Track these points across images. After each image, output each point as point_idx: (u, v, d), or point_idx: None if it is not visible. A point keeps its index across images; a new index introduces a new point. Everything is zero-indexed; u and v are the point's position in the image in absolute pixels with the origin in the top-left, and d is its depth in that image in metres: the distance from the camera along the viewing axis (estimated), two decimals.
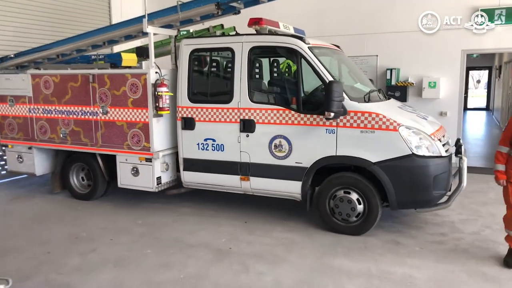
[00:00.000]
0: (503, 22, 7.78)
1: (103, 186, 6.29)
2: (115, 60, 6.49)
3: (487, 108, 22.27)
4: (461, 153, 4.88)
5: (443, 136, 4.97)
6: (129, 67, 6.09)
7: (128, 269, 4.06)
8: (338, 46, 6.10)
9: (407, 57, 8.52)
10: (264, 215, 5.53)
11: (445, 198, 4.76)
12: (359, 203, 4.71)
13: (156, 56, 5.97)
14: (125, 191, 6.10)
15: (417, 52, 8.42)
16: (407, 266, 4.03)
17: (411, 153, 4.42)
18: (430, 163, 4.46)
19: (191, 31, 6.78)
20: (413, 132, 4.50)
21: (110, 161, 5.97)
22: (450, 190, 4.85)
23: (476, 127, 15.35)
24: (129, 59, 6.47)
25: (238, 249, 4.48)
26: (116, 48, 8.34)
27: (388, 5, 8.53)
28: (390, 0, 8.53)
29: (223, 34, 6.51)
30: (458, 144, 5.08)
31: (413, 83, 8.49)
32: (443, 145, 4.75)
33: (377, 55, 8.82)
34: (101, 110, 5.79)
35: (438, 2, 8.16)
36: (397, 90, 8.37)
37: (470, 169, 5.27)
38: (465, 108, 20.33)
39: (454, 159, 4.97)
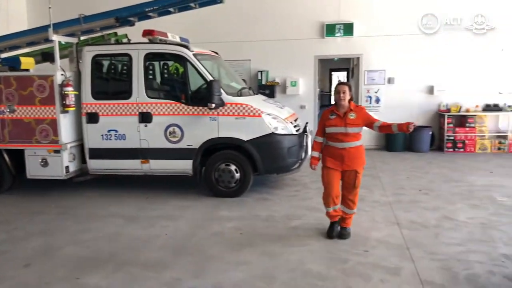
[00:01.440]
0: (342, 34, 10.09)
1: (10, 180, 6.84)
2: (13, 64, 7.05)
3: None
4: (306, 132, 6.72)
5: (295, 120, 6.75)
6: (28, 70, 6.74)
7: (54, 236, 4.97)
8: (216, 52, 7.57)
9: (273, 61, 10.41)
10: (163, 191, 6.74)
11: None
12: (237, 172, 6.23)
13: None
14: (33, 183, 6.76)
15: (281, 58, 10.36)
16: (270, 210, 5.66)
17: (271, 132, 6.07)
18: (284, 139, 6.17)
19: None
20: (272, 117, 6.17)
21: (17, 155, 6.58)
22: (302, 159, 6.64)
23: None
24: (28, 62, 7.07)
25: (144, 214, 5.66)
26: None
27: (259, 17, 10.30)
28: (260, 13, 10.31)
29: (117, 41, 7.51)
30: (305, 126, 6.91)
31: (278, 83, 10.42)
32: (294, 126, 6.51)
33: (250, 60, 10.57)
34: (7, 109, 6.41)
35: (298, 18, 10.19)
36: (267, 89, 10.20)
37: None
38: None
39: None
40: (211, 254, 4.30)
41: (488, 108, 9.80)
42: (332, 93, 3.82)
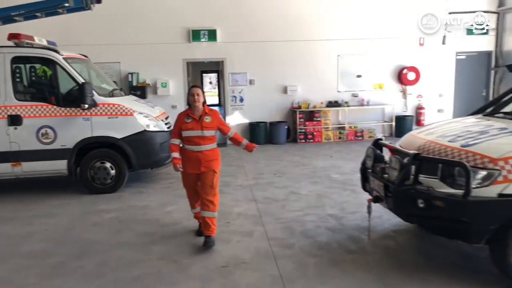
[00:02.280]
0: (207, 40, 11.06)
1: None
2: None
3: (219, 104, 27.38)
4: None
5: (166, 118, 7.45)
6: None
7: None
8: (86, 56, 7.84)
9: (143, 64, 10.90)
10: (38, 192, 6.85)
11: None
12: (112, 169, 6.69)
13: None
14: None
15: (151, 60, 10.90)
16: (146, 201, 6.30)
17: (143, 129, 6.69)
18: (156, 135, 6.84)
19: None
20: (143, 116, 6.79)
21: None
22: None
23: None
24: None
25: (21, 214, 5.80)
26: None
27: (127, 21, 10.65)
28: (128, 17, 10.67)
29: None
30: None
31: (149, 84, 10.97)
32: (166, 124, 7.22)
33: (120, 62, 10.88)
34: None
35: (165, 23, 10.82)
36: (138, 90, 10.64)
37: None
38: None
39: None
40: (92, 239, 4.82)
41: (330, 104, 11.72)
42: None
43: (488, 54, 12.01)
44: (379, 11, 11.46)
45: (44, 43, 7.20)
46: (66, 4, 6.47)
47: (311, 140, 11.57)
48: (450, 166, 3.46)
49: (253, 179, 7.53)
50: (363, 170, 4.53)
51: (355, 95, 11.84)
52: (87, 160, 6.63)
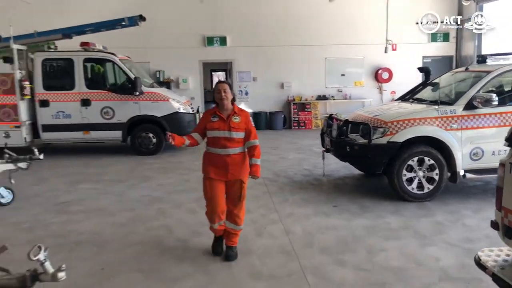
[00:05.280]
0: (219, 45, 13.73)
1: None
2: None
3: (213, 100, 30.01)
4: (198, 112, 10.17)
5: (190, 104, 10.13)
6: None
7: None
8: (128, 57, 10.51)
9: (168, 63, 13.58)
10: (100, 157, 9.52)
11: None
12: (153, 138, 9.36)
13: None
14: None
15: (174, 61, 13.57)
16: (179, 160, 8.94)
17: (176, 111, 9.36)
18: (185, 115, 9.51)
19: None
20: (176, 101, 9.45)
21: None
22: None
23: None
24: None
25: (95, 171, 8.48)
26: None
27: (154, 28, 13.32)
28: (155, 24, 13.31)
29: (49, 47, 9.95)
30: (197, 108, 10.33)
31: (173, 80, 13.65)
32: (191, 108, 9.89)
33: (149, 62, 13.56)
34: None
35: (185, 31, 13.48)
36: (164, 84, 13.30)
37: None
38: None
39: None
40: (149, 175, 7.50)
41: (319, 98, 14.34)
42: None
43: (449, 58, 14.55)
44: (360, 20, 14.03)
45: (101, 48, 9.88)
46: (123, 23, 9.13)
47: (303, 127, 14.18)
48: (363, 126, 6.07)
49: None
50: (322, 134, 7.16)
51: (339, 90, 14.45)
52: (137, 131, 9.31)
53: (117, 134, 9.26)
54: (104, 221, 5.16)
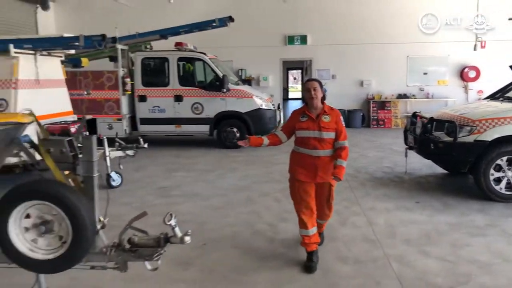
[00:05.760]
0: (299, 43, 14.06)
1: None
2: (76, 62, 10.32)
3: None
4: (279, 109, 10.60)
5: (271, 101, 10.58)
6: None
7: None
8: (216, 56, 11.21)
9: (250, 62, 14.19)
10: (189, 149, 10.32)
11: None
12: (237, 133, 9.94)
13: (98, 58, 10.13)
14: None
15: (256, 59, 14.15)
16: (261, 153, 9.45)
17: (259, 107, 9.86)
18: (267, 111, 9.99)
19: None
20: (259, 98, 9.96)
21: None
22: (276, 126, 10.46)
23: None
24: (85, 61, 10.38)
25: (186, 162, 9.25)
26: None
27: (237, 28, 13.97)
28: (238, 25, 13.97)
29: (145, 47, 10.93)
30: (278, 105, 10.77)
31: (254, 78, 14.24)
32: (272, 105, 10.35)
33: (232, 60, 14.26)
34: (85, 92, 9.75)
35: (267, 30, 13.99)
36: (245, 82, 13.91)
37: None
38: (288, 98, 27.87)
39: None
40: (234, 166, 8.06)
41: (400, 96, 14.11)
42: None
43: None
44: (446, 17, 13.56)
45: (192, 47, 10.67)
46: (214, 24, 9.81)
47: (382, 126, 14.06)
48: (449, 124, 6.06)
49: None
50: (404, 132, 7.21)
51: (421, 89, 14.10)
52: (223, 125, 9.96)
53: (205, 128, 9.98)
54: (200, 204, 5.76)
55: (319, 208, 3.91)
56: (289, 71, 28.78)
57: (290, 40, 14.08)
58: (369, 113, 14.11)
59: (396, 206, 5.60)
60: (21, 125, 2.74)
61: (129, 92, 9.83)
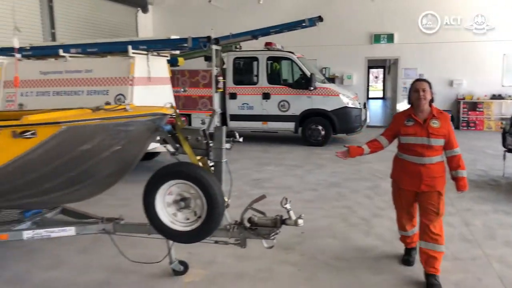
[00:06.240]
0: (386, 42, 13.85)
1: None
2: (174, 62, 11.15)
3: (383, 98, 29.53)
4: (366, 108, 10.60)
5: (357, 99, 10.62)
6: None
7: None
8: (302, 55, 11.47)
9: (333, 60, 14.26)
10: (275, 146, 10.71)
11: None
12: (322, 131, 10.14)
13: (193, 58, 10.80)
14: None
15: (339, 58, 14.19)
16: None
17: (345, 105, 9.97)
18: (353, 110, 10.06)
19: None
20: (345, 96, 10.06)
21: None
22: (362, 125, 10.50)
23: (376, 107, 21.94)
24: (181, 60, 11.17)
25: (274, 156, 9.65)
26: None
27: (321, 28, 14.12)
28: (322, 25, 14.12)
29: (235, 47, 11.46)
30: (364, 103, 10.77)
31: (337, 76, 14.29)
32: (358, 103, 10.39)
33: (316, 59, 14.43)
34: (182, 89, 10.53)
35: (352, 29, 13.98)
36: (329, 80, 14.02)
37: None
38: (367, 98, 27.30)
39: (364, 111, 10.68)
40: (321, 163, 8.27)
41: (494, 97, 13.33)
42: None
43: None
44: None
45: (280, 47, 11.04)
46: (303, 24, 10.09)
47: (473, 128, 13.38)
48: None
49: None
50: (503, 133, 6.94)
51: None
52: (307, 123, 10.22)
53: (290, 126, 10.30)
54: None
55: (424, 222, 3.51)
56: (370, 69, 28.14)
57: (376, 38, 13.90)
58: (459, 114, 13.49)
59: (494, 209, 5.49)
60: (165, 116, 3.23)
61: (221, 90, 10.43)
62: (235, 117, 10.63)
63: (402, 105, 14.06)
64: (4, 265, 3.88)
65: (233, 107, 10.59)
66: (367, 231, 4.73)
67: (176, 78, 10.56)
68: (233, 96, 10.55)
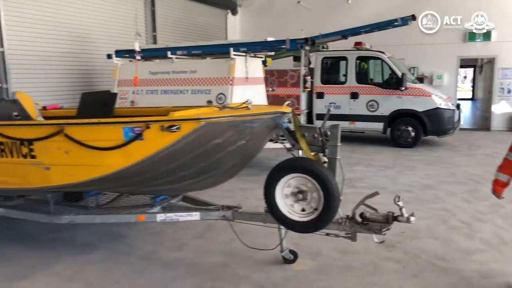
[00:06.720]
0: (482, 40, 13.10)
1: None
2: (263, 62, 11.51)
3: (472, 99, 27.76)
4: (459, 109, 10.17)
5: (450, 101, 10.22)
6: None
7: None
8: (392, 55, 11.26)
9: (422, 60, 13.77)
10: (362, 146, 10.68)
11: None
12: (412, 132, 9.91)
13: (280, 58, 11.01)
14: None
15: (429, 57, 13.67)
16: (438, 155, 9.26)
17: (437, 106, 9.66)
18: (445, 111, 9.72)
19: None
20: (438, 97, 9.75)
21: None
22: (454, 127, 10.09)
23: (465, 109, 20.73)
24: (269, 61, 11.49)
25: (362, 157, 9.65)
26: None
27: (416, 25, 13.71)
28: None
29: (322, 47, 11.57)
30: (458, 106, 10.35)
31: (427, 76, 13.80)
32: (452, 104, 10.01)
33: (404, 58, 14.03)
34: (270, 89, 10.88)
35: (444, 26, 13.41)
36: (418, 80, 13.58)
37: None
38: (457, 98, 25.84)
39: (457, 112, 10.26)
40: (412, 165, 8.13)
41: None
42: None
43: None
44: None
45: (368, 47, 10.95)
46: (396, 23, 9.94)
47: None
48: None
49: None
50: None
51: None
52: (396, 124, 10.06)
53: (379, 126, 10.21)
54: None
55: None
56: (459, 68, 26.58)
57: (471, 36, 13.20)
58: None
59: None
60: (284, 114, 3.51)
61: (308, 89, 10.60)
62: (321, 117, 10.71)
63: (499, 107, 13.26)
64: (137, 244, 4.44)
65: (320, 106, 10.73)
66: (470, 234, 4.66)
67: (265, 78, 10.92)
68: (320, 95, 10.69)
